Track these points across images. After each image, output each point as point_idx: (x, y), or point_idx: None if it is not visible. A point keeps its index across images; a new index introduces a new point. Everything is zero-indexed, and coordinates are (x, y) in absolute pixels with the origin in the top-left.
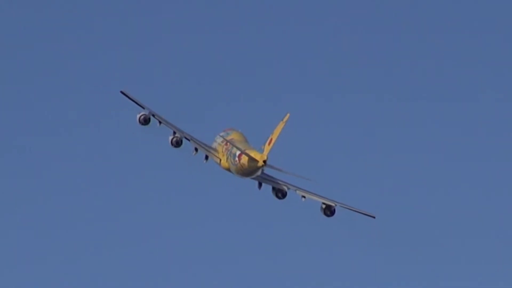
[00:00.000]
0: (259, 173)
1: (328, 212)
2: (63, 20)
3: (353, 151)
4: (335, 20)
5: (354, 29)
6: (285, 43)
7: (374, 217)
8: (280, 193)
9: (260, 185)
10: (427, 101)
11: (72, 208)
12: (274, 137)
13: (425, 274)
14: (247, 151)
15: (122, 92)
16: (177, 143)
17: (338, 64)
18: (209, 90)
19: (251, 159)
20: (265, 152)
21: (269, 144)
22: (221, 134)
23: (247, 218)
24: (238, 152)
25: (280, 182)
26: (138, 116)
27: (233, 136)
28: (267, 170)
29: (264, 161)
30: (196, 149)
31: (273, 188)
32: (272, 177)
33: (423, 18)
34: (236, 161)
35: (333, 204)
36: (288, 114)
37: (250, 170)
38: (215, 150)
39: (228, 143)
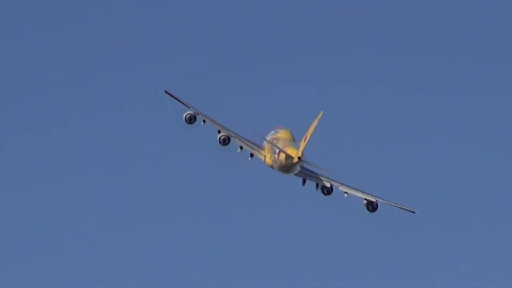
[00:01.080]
0: (297, 169)
1: (371, 208)
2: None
3: (389, 145)
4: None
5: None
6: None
7: (414, 212)
8: (325, 190)
9: (304, 181)
10: (465, 93)
11: (125, 206)
12: (309, 134)
13: (467, 270)
14: (285, 148)
15: (166, 92)
16: (224, 142)
17: (372, 58)
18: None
19: (288, 156)
20: (300, 149)
21: (304, 141)
22: (271, 132)
23: (291, 214)
24: (277, 150)
25: (323, 178)
26: (184, 115)
27: (280, 134)
28: (311, 167)
29: (299, 158)
30: (241, 147)
31: (317, 185)
32: (315, 173)
33: (424, 14)
34: (276, 157)
35: (374, 200)
36: (321, 112)
37: (288, 166)
38: (261, 148)
39: (269, 142)
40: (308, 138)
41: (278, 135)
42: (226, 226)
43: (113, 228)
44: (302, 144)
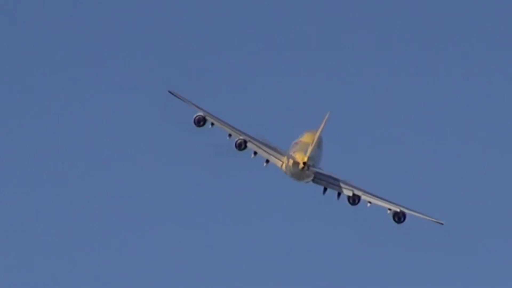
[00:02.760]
0: (309, 175)
1: (398, 219)
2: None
3: (412, 149)
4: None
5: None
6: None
7: (442, 224)
8: (351, 199)
9: (325, 190)
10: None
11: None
12: (316, 137)
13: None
14: (294, 153)
15: (170, 92)
16: (240, 146)
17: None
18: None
19: (295, 162)
20: (307, 154)
21: (311, 145)
22: (299, 136)
23: (311, 223)
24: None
25: (344, 186)
26: (193, 117)
27: (303, 138)
28: (332, 173)
29: (304, 163)
30: (255, 153)
31: (338, 194)
32: (335, 179)
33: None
34: (287, 163)
35: (398, 210)
36: (328, 113)
37: (298, 173)
38: (280, 153)
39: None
40: (315, 141)
41: (300, 139)
42: (238, 236)
43: (119, 230)
44: (310, 149)
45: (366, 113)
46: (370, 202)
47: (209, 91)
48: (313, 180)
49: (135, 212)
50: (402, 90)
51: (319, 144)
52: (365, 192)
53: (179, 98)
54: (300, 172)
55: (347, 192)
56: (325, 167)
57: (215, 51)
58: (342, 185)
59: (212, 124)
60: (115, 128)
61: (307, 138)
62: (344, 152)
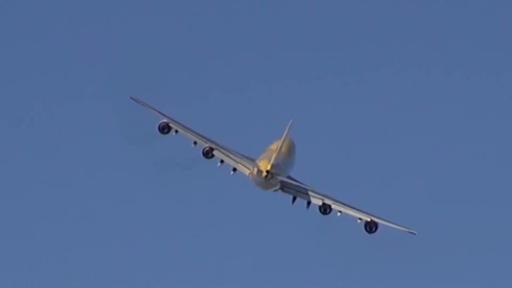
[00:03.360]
0: (274, 184)
1: (369, 229)
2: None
3: (383, 158)
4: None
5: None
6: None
7: (415, 234)
8: (322, 209)
9: (294, 199)
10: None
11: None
12: (280, 145)
13: None
14: (259, 162)
15: (132, 99)
16: (207, 154)
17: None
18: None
19: (259, 170)
20: (270, 162)
21: (275, 152)
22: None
23: (279, 234)
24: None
25: (313, 195)
26: (158, 124)
27: (273, 145)
28: (300, 182)
29: (268, 171)
30: (221, 161)
31: (308, 203)
32: (303, 188)
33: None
34: (251, 171)
35: (369, 219)
36: (291, 120)
37: (262, 181)
38: (249, 160)
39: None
40: (279, 149)
41: (270, 146)
42: (203, 246)
43: (78, 239)
44: (273, 156)
45: (340, 121)
46: (340, 212)
47: (175, 98)
48: (282, 189)
49: (99, 221)
50: (374, 100)
51: (289, 152)
52: (335, 201)
53: (142, 105)
54: (265, 181)
55: (317, 201)
56: (296, 176)
57: (180, 57)
58: (311, 194)
59: (176, 131)
60: (75, 136)
61: (276, 146)
62: (317, 160)
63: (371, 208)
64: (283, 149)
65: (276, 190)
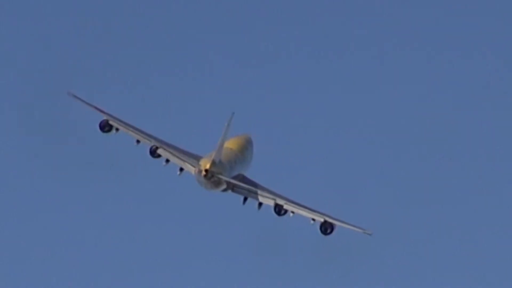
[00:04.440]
0: (215, 184)
1: (325, 230)
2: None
3: (335, 154)
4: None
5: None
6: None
7: (370, 234)
8: (277, 208)
9: (245, 199)
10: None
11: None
12: (221, 141)
13: None
14: (200, 160)
15: (70, 94)
16: (154, 153)
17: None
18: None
19: (199, 169)
20: (210, 160)
21: (217, 150)
22: None
23: (226, 236)
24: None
25: (263, 194)
26: (99, 122)
27: (229, 143)
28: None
29: (207, 170)
30: (167, 160)
31: (259, 204)
32: (251, 188)
33: None
34: (195, 171)
35: (322, 220)
36: (233, 113)
37: (203, 181)
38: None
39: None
40: (219, 146)
41: (226, 144)
42: (148, 250)
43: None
44: (213, 154)
45: (297, 118)
46: (293, 212)
47: (115, 95)
48: (232, 189)
49: (42, 223)
50: (333, 96)
51: (241, 149)
52: (288, 201)
53: (80, 101)
54: (205, 180)
55: (268, 201)
56: (253, 174)
57: (119, 51)
58: (263, 194)
59: (117, 129)
60: (11, 133)
61: (231, 143)
62: (274, 158)
63: (327, 209)
64: (233, 146)
65: (225, 190)
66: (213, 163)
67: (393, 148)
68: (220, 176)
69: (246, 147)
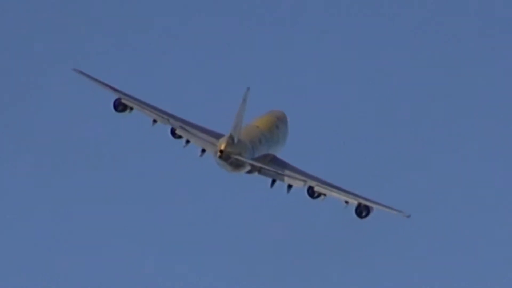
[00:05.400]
0: (236, 166)
1: (360, 213)
2: None
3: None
4: None
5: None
6: None
7: (409, 217)
8: (310, 191)
9: (273, 182)
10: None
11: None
12: (238, 119)
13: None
14: (220, 140)
15: (76, 70)
16: (175, 134)
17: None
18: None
19: (215, 150)
20: (225, 140)
21: (233, 128)
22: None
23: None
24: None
25: (293, 175)
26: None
27: (256, 121)
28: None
29: (221, 151)
30: (187, 141)
31: (289, 186)
32: (280, 168)
33: None
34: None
35: (357, 202)
36: (248, 88)
37: (221, 163)
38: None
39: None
40: (236, 124)
41: (255, 121)
42: (174, 239)
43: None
44: (229, 134)
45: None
46: (324, 195)
47: (127, 70)
48: (259, 171)
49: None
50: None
51: (270, 127)
52: (320, 182)
53: (88, 77)
54: (223, 163)
55: (298, 183)
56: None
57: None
58: (292, 175)
59: (131, 108)
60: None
61: (259, 121)
62: (306, 137)
63: (362, 190)
64: (260, 124)
65: (250, 172)
66: (229, 143)
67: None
68: (239, 157)
69: (276, 125)
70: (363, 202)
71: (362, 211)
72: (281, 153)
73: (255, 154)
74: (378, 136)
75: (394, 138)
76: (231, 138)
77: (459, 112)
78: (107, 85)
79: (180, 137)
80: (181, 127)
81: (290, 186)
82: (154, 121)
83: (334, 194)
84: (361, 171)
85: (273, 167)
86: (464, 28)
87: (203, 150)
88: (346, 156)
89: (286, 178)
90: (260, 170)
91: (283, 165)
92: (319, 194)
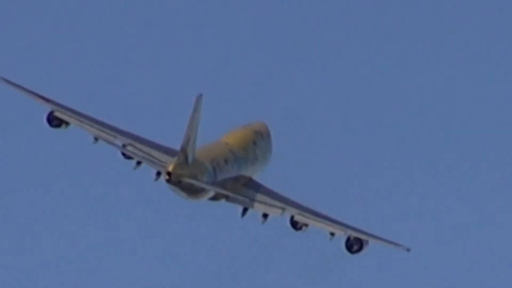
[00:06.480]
0: (185, 192)
1: (351, 246)
2: None
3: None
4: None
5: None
6: None
7: (408, 250)
8: (294, 223)
9: (244, 210)
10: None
11: None
12: (190, 133)
13: None
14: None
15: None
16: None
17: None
18: None
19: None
20: (174, 161)
21: (187, 144)
22: None
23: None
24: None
25: (274, 203)
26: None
27: (228, 136)
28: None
29: (169, 173)
30: (138, 162)
31: (264, 215)
32: (247, 200)
33: None
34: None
35: (341, 232)
36: (200, 95)
37: (173, 187)
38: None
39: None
40: (188, 139)
41: (224, 136)
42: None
43: None
44: (182, 151)
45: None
46: (306, 225)
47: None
48: (226, 198)
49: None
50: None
51: (245, 144)
52: (302, 210)
53: (16, 87)
54: (174, 188)
55: (275, 211)
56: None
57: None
58: (267, 201)
59: (67, 123)
60: None
61: (230, 136)
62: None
63: (354, 221)
64: (230, 140)
65: (216, 199)
66: (178, 164)
67: (423, 151)
68: (192, 181)
69: (254, 141)
70: (354, 234)
71: (353, 244)
72: (263, 174)
73: (219, 176)
74: (377, 157)
75: (394, 160)
76: (182, 156)
77: (460, 132)
78: (37, 94)
79: (130, 157)
80: (130, 145)
81: (265, 215)
82: (96, 138)
83: (318, 224)
84: (355, 196)
85: (244, 192)
86: (464, 28)
87: (159, 173)
88: (339, 178)
89: (259, 205)
90: (227, 197)
91: (258, 189)
92: (304, 225)
